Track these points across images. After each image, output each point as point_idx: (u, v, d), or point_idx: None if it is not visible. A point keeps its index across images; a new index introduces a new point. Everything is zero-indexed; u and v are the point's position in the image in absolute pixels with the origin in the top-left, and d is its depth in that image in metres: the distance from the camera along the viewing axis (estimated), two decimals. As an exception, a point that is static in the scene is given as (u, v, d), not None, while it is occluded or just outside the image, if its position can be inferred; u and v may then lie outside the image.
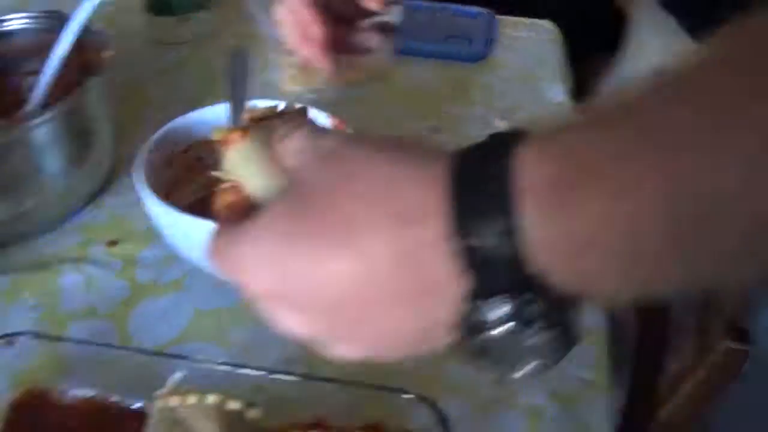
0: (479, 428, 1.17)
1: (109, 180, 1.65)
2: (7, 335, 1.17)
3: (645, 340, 1.80)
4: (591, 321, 1.31)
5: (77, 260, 1.48)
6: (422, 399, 1.07)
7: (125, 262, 1.47)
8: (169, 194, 1.32)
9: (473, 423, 1.17)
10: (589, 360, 1.24)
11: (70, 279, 1.44)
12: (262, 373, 1.14)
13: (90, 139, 1.56)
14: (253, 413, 1.07)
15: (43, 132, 1.45)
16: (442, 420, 1.04)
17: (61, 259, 1.48)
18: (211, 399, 1.05)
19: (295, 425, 1.11)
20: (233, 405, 1.06)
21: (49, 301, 1.40)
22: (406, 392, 1.09)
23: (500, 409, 1.19)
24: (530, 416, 1.18)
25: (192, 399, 1.05)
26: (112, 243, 1.51)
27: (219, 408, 1.05)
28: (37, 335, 1.20)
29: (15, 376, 1.18)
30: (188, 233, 1.28)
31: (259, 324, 1.30)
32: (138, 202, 1.56)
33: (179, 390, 1.08)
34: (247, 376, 1.13)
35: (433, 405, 1.06)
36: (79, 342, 1.19)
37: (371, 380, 1.11)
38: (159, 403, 1.08)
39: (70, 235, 1.53)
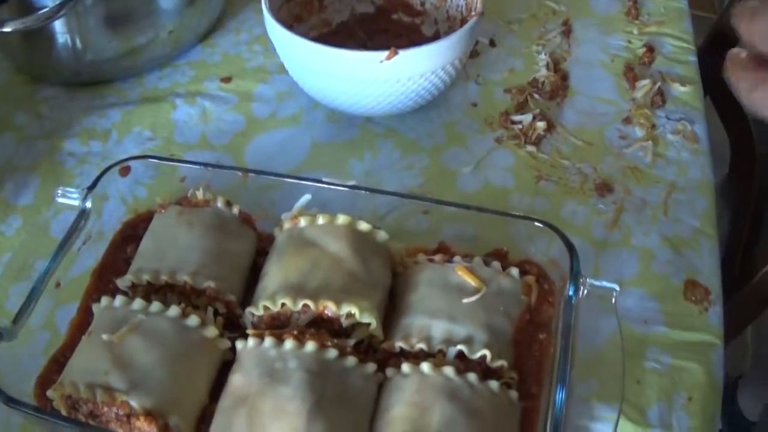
0: (597, 263, 1.17)
1: (220, 20, 1.64)
2: (123, 161, 1.16)
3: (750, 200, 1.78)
4: (703, 174, 1.31)
5: (191, 95, 1.48)
6: (551, 227, 1.05)
7: (240, 97, 1.46)
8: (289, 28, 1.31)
9: (591, 257, 1.18)
10: (700, 210, 1.23)
11: (184, 112, 1.44)
12: (392, 197, 1.12)
13: (202, -23, 1.54)
14: (381, 235, 1.06)
15: (159, -32, 1.45)
16: (570, 248, 1.02)
17: (174, 94, 1.48)
18: (342, 219, 1.05)
19: (420, 250, 1.10)
20: (363, 226, 1.05)
21: (162, 133, 1.41)
22: (535, 220, 1.06)
23: (616, 248, 1.20)
24: (643, 257, 1.18)
25: (321, 220, 1.05)
26: (226, 79, 1.50)
27: (349, 228, 1.05)
28: (155, 158, 1.19)
29: (131, 201, 1.19)
30: (310, 60, 1.27)
31: (377, 155, 1.35)
32: (249, 42, 1.57)
33: (306, 212, 1.09)
34: (371, 203, 1.12)
35: (561, 234, 1.04)
36: (197, 164, 1.17)
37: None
38: (287, 224, 1.08)
39: (182, 72, 1.53)
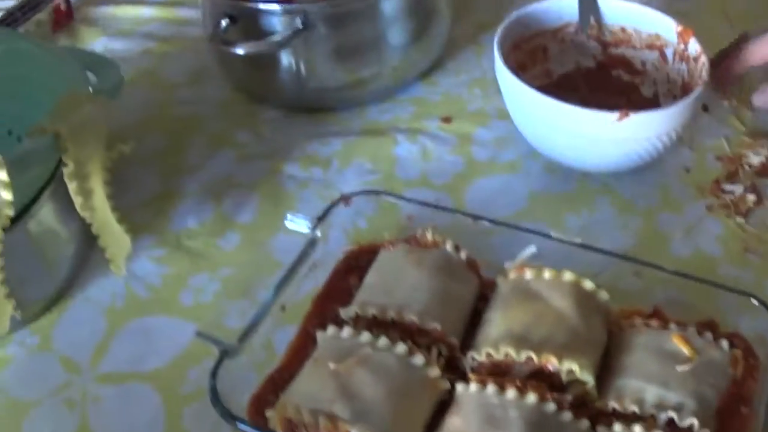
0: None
1: (442, 59, 1.67)
2: (350, 195, 1.20)
3: None
4: None
5: (412, 132, 1.50)
6: (764, 304, 1.04)
7: (460, 138, 1.48)
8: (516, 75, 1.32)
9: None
10: None
11: (405, 148, 1.46)
12: (610, 256, 1.13)
13: (431, 16, 1.57)
14: (603, 295, 1.06)
15: (392, 4, 1.48)
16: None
17: (396, 129, 1.51)
18: (568, 276, 1.06)
19: (635, 312, 1.10)
20: (588, 285, 1.06)
21: (383, 167, 1.43)
22: (750, 295, 1.06)
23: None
24: None
25: (548, 274, 1.06)
26: (447, 119, 1.52)
27: (575, 286, 1.06)
28: (377, 193, 1.23)
29: (351, 232, 1.22)
30: (540, 111, 1.29)
31: (594, 212, 1.35)
32: (469, 84, 1.59)
33: (529, 264, 1.10)
34: (585, 259, 1.12)
35: (775, 314, 1.03)
36: (422, 203, 1.20)
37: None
38: (512, 274, 1.09)
39: (403, 107, 1.56)
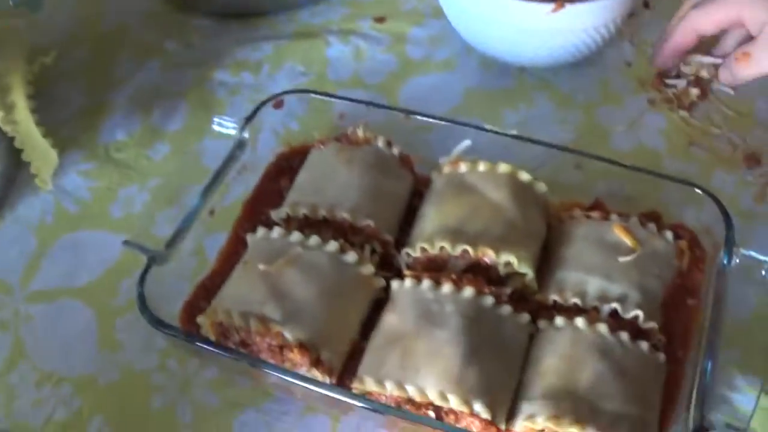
0: (742, 234, 1.14)
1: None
2: (282, 93, 1.16)
3: None
4: None
5: (344, 32, 1.46)
6: (710, 195, 1.02)
7: (394, 38, 1.45)
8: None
9: (738, 228, 1.13)
10: None
11: (337, 49, 1.43)
12: (547, 148, 1.10)
13: None
14: (540, 187, 1.04)
15: None
16: (726, 216, 1.00)
17: (328, 31, 1.47)
18: (504, 168, 1.03)
19: (576, 204, 1.08)
20: (524, 176, 1.03)
21: (315, 69, 1.40)
22: (695, 185, 1.04)
23: (762, 221, 1.16)
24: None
25: (482, 167, 1.04)
26: (380, 19, 1.48)
27: (510, 177, 1.03)
28: (318, 93, 1.19)
29: (283, 134, 1.19)
30: (474, 5, 1.26)
31: (531, 107, 1.32)
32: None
33: (465, 158, 1.07)
34: (523, 154, 1.09)
35: (718, 202, 1.01)
36: (353, 100, 1.16)
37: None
38: (446, 168, 1.07)
39: (335, 9, 1.52)
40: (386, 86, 1.36)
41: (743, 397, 0.95)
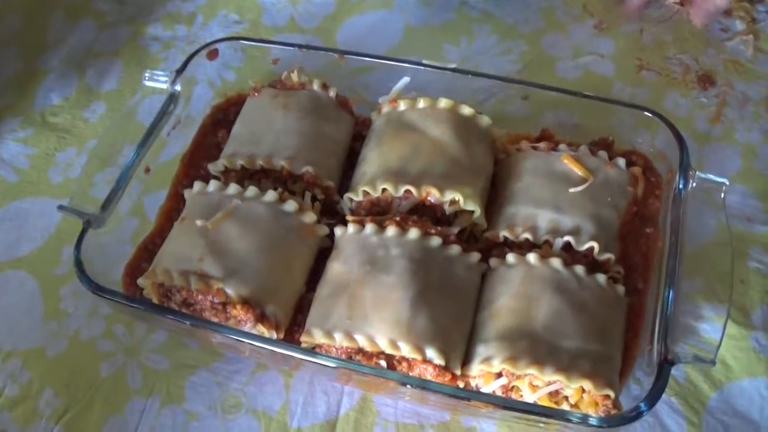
0: (699, 157, 1.12)
1: None
2: (213, 42, 1.13)
3: None
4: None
5: (277, -23, 1.42)
6: (661, 118, 1.00)
7: (330, -22, 1.41)
8: None
9: (694, 151, 1.10)
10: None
11: (272, -6, 1.40)
12: (491, 81, 1.07)
13: None
14: (484, 120, 1.01)
15: None
16: (679, 139, 0.97)
17: (261, -24, 1.43)
18: (444, 103, 1.00)
19: (523, 137, 1.06)
20: (466, 110, 1.00)
21: (249, 15, 1.36)
22: (645, 109, 1.01)
23: (718, 143, 1.15)
24: (746, 153, 1.13)
25: (422, 103, 1.00)
26: (313, -40, 1.45)
27: (451, 112, 1.00)
28: (248, 40, 1.15)
29: (219, 85, 1.15)
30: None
31: (474, 41, 1.28)
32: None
33: (404, 96, 1.05)
34: (469, 87, 1.07)
35: (671, 125, 0.99)
36: (290, 45, 1.13)
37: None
38: (385, 108, 1.03)
39: (268, -46, 1.48)
40: (323, 29, 1.32)
41: (709, 326, 0.94)
